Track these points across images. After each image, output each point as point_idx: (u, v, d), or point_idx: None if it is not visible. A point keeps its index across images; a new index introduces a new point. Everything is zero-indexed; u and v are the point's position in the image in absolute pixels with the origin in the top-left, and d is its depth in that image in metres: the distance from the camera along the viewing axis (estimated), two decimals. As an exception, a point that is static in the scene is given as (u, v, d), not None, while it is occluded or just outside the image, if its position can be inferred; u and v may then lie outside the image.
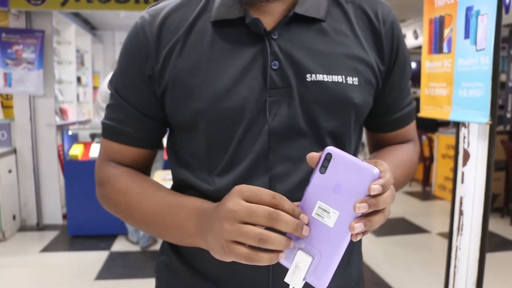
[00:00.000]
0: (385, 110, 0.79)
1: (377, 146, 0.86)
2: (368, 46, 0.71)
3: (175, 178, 0.78)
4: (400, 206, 5.25)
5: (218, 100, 0.66)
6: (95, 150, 4.09)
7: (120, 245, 3.91)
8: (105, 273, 3.32)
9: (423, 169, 6.11)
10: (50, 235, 4.15)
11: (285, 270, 0.54)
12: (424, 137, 5.97)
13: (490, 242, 2.58)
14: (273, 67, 0.66)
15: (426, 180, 6.17)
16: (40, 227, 4.36)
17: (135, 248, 3.83)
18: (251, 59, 0.67)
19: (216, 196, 0.65)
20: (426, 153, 6.04)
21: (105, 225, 4.05)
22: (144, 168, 0.79)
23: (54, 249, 3.85)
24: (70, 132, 4.19)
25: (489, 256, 2.13)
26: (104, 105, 4.47)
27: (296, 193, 0.63)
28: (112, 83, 0.76)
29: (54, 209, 4.44)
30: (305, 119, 0.67)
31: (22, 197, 4.32)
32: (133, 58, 0.72)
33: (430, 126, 5.86)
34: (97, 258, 3.59)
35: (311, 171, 0.55)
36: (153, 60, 0.70)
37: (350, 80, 0.68)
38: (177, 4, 0.72)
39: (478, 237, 1.94)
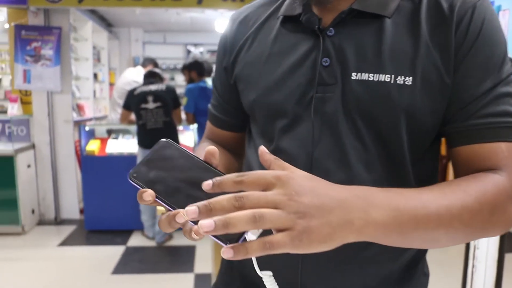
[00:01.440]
0: (455, 114, 0.64)
1: (457, 171, 0.68)
2: (434, 43, 0.63)
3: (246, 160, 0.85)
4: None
5: (268, 92, 0.71)
6: (111, 146, 4.13)
7: (136, 240, 3.95)
8: (121, 267, 3.36)
9: (440, 167, 6.03)
10: (68, 229, 4.22)
11: (315, 261, 0.67)
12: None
13: (510, 242, 2.51)
14: (323, 63, 0.67)
15: (443, 179, 6.09)
16: (58, 221, 4.43)
17: (151, 243, 3.86)
18: (304, 55, 0.69)
19: None
20: (443, 151, 5.96)
21: (121, 221, 4.10)
22: (233, 149, 0.88)
23: (72, 243, 3.91)
24: (87, 128, 4.24)
25: (509, 257, 2.09)
26: (120, 101, 4.50)
27: None
28: None
29: (72, 204, 4.51)
30: (346, 119, 0.66)
31: (41, 191, 4.40)
32: (219, 54, 0.83)
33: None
34: (113, 252, 3.64)
35: (350, 170, 0.64)
36: (228, 54, 0.80)
37: (400, 79, 0.62)
38: (258, 4, 0.80)
39: (497, 236, 1.90)
